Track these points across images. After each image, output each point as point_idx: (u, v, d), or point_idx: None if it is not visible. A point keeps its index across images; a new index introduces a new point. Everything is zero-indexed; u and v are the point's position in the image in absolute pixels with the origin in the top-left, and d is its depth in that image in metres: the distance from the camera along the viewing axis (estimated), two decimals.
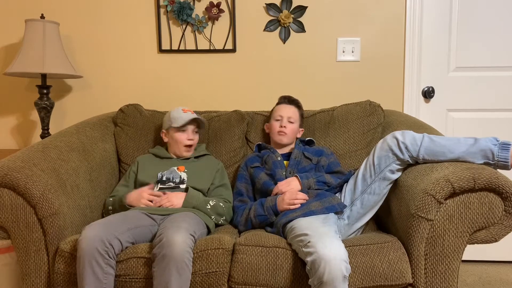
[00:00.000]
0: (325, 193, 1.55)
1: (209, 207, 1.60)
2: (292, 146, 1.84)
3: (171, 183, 1.68)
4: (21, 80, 2.23)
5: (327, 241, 1.21)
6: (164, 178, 1.68)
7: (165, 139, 1.82)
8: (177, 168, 1.72)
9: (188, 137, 1.76)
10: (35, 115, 2.21)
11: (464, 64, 2.19)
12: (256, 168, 1.76)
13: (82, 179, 1.58)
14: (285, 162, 1.76)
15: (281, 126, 1.80)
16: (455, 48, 2.19)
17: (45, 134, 2.07)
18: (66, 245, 1.34)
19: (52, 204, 1.36)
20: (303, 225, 1.35)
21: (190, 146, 1.78)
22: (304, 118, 1.96)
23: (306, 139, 1.88)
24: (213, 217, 1.61)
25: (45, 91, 2.05)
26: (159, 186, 1.67)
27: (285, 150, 1.84)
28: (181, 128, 1.76)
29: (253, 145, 1.95)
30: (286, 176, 1.68)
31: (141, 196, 1.56)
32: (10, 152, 1.70)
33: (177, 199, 1.58)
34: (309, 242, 1.22)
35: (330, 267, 1.15)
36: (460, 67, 2.20)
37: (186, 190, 1.65)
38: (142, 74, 2.24)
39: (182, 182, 1.68)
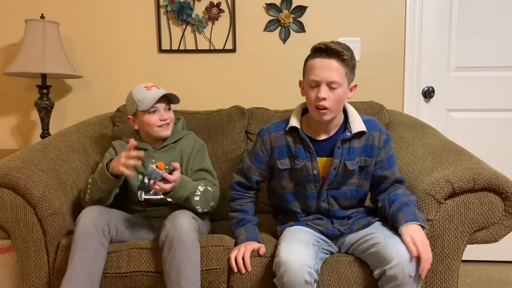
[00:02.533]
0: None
1: (199, 193, 1.43)
2: (336, 123, 1.36)
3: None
4: (21, 80, 2.23)
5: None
6: (146, 180, 1.43)
7: (135, 126, 1.57)
8: (156, 166, 1.46)
9: (161, 117, 1.52)
10: (35, 115, 2.21)
11: (464, 64, 2.19)
12: (285, 170, 1.39)
13: (82, 179, 1.58)
14: (319, 159, 1.36)
15: (318, 99, 1.26)
16: (455, 48, 2.18)
17: (45, 134, 2.07)
18: (68, 240, 1.35)
19: (52, 204, 1.36)
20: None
21: (166, 124, 1.55)
22: None
23: (354, 131, 1.33)
24: (199, 208, 1.45)
25: (45, 91, 2.04)
26: (144, 196, 1.44)
27: (323, 135, 1.36)
28: (150, 110, 1.51)
29: (254, 136, 1.88)
30: (319, 195, 1.38)
31: (119, 157, 1.33)
32: (10, 152, 1.70)
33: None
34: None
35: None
36: (460, 67, 2.20)
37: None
38: (142, 74, 2.24)
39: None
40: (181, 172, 1.50)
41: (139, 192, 1.49)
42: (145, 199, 1.44)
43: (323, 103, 1.26)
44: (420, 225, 1.22)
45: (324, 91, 1.25)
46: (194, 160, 1.56)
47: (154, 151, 1.57)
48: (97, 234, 1.29)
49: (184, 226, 1.27)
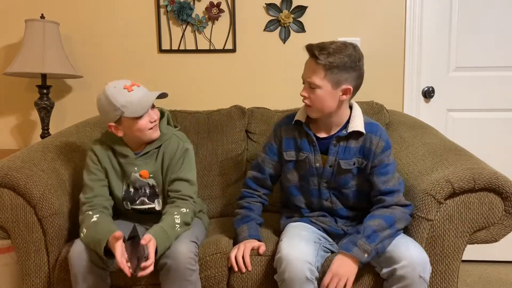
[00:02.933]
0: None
1: (178, 226, 1.31)
2: (337, 122, 1.38)
3: (142, 198, 1.44)
4: (21, 80, 2.23)
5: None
6: (131, 189, 1.44)
7: (119, 134, 1.38)
8: (140, 175, 1.42)
9: (151, 119, 1.37)
10: (35, 115, 2.21)
11: (464, 64, 2.19)
12: (291, 162, 1.43)
13: (82, 179, 1.57)
14: (322, 155, 1.38)
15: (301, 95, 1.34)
16: (455, 48, 2.18)
17: (45, 134, 2.07)
18: (67, 253, 1.33)
19: (52, 204, 1.36)
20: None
21: (156, 126, 1.41)
22: None
23: (349, 130, 1.35)
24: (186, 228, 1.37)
25: (45, 91, 2.04)
26: (130, 206, 1.45)
27: (324, 133, 1.39)
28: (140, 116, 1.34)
29: (254, 135, 1.91)
30: (320, 189, 1.40)
31: (120, 261, 1.18)
32: (10, 152, 1.69)
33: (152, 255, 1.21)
34: None
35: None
36: (460, 67, 2.20)
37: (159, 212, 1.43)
38: (142, 74, 2.24)
39: (154, 193, 1.45)
40: (162, 181, 1.44)
41: (124, 203, 1.46)
42: (132, 208, 1.46)
43: (304, 100, 1.34)
44: (351, 255, 1.20)
45: (304, 89, 1.34)
46: (174, 169, 1.42)
47: (136, 158, 1.42)
48: (95, 268, 1.26)
49: (183, 253, 1.24)
